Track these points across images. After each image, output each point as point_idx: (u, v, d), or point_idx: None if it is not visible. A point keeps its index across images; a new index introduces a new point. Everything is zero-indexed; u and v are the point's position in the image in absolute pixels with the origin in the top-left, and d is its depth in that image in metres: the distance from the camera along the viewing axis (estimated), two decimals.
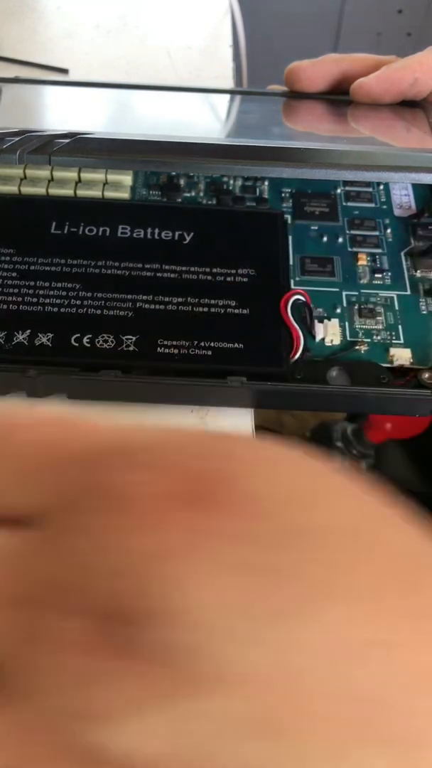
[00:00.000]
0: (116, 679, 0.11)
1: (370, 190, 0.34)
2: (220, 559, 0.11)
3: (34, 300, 0.28)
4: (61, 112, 0.33)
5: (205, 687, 0.11)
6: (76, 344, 0.27)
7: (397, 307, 0.30)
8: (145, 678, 0.11)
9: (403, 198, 0.34)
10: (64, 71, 0.47)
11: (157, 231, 0.31)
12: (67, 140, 0.25)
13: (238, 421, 0.28)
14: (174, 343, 0.28)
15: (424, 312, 0.30)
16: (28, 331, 0.28)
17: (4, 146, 0.25)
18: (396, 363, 0.28)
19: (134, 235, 0.31)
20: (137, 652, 0.11)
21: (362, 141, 0.31)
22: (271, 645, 0.11)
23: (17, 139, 0.25)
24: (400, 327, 0.29)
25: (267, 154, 0.25)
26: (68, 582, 0.12)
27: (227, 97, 0.35)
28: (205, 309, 0.29)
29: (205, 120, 0.33)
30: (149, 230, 0.31)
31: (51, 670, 0.11)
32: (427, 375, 0.27)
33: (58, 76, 0.47)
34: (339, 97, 0.33)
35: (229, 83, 0.48)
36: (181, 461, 0.13)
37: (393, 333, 0.29)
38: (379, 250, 0.32)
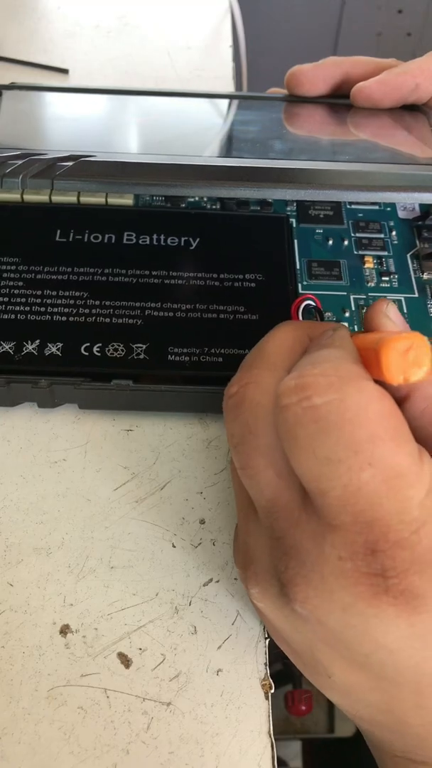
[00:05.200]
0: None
1: None
2: None
3: (42, 309, 0.28)
4: (61, 125, 0.33)
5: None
6: (86, 353, 0.27)
7: (404, 310, 0.30)
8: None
9: None
10: (65, 71, 0.46)
11: (162, 237, 0.31)
12: (69, 163, 0.25)
13: None
14: (184, 350, 0.27)
15: None
16: (38, 341, 0.27)
17: (7, 170, 0.24)
18: None
19: (140, 241, 0.31)
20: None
21: (364, 149, 0.30)
22: None
23: (19, 162, 0.25)
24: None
25: (270, 176, 0.25)
26: None
27: (229, 102, 0.35)
28: (215, 315, 0.28)
29: (206, 132, 0.32)
30: (155, 236, 0.31)
31: None
32: None
33: (57, 77, 0.46)
34: (339, 100, 0.33)
35: (229, 83, 0.48)
36: None
37: None
38: (385, 253, 0.32)
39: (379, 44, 0.99)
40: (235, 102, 0.35)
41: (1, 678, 0.23)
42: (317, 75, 0.33)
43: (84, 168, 0.25)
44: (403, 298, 0.30)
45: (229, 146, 0.31)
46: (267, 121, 0.33)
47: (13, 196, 0.32)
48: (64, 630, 0.24)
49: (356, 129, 0.32)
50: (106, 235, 0.31)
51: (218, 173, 0.25)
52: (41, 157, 0.25)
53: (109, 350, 0.27)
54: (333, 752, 0.67)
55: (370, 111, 0.32)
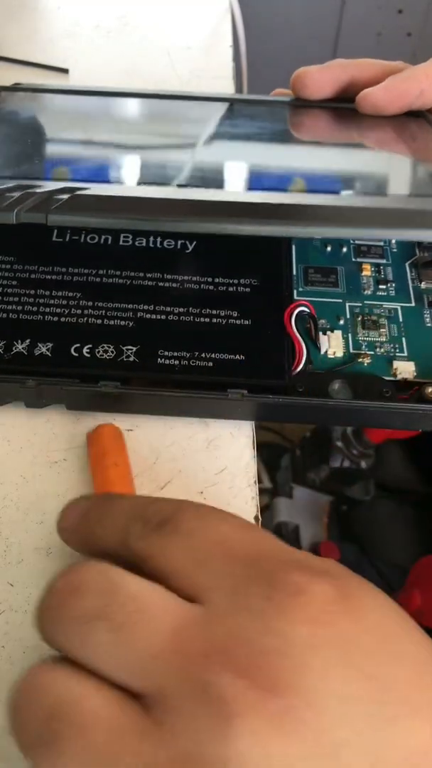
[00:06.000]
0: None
1: None
2: (348, 661, 0.16)
3: (34, 309, 0.28)
4: (59, 141, 0.33)
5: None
6: (76, 354, 0.27)
7: (401, 319, 0.29)
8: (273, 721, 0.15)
9: None
10: (65, 71, 0.46)
11: (159, 239, 0.31)
12: (64, 196, 0.25)
13: (240, 430, 0.28)
14: (175, 354, 0.27)
15: (429, 324, 0.29)
16: (28, 341, 0.27)
17: (3, 204, 0.24)
18: (399, 376, 0.28)
19: (136, 243, 0.31)
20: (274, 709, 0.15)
21: (370, 157, 0.30)
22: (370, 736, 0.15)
23: (15, 196, 0.25)
24: (404, 339, 0.29)
25: (270, 213, 0.25)
26: (230, 648, 0.16)
27: (231, 107, 0.35)
28: (207, 320, 0.28)
29: (207, 149, 0.32)
30: (151, 238, 0.31)
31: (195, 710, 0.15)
32: (431, 389, 0.27)
33: (58, 77, 0.46)
34: (343, 105, 0.33)
35: (229, 83, 0.48)
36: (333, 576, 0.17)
37: (397, 345, 0.29)
38: (383, 261, 0.31)
39: (379, 44, 0.99)
40: (239, 107, 0.35)
41: (1, 678, 0.23)
42: (323, 78, 0.33)
43: (78, 202, 0.25)
44: (399, 307, 0.30)
45: (230, 171, 0.31)
46: (271, 133, 0.33)
47: None
48: None
49: (361, 138, 0.32)
50: (103, 236, 0.31)
51: (218, 211, 0.25)
52: (36, 189, 0.25)
53: (98, 352, 0.27)
54: None
55: (374, 118, 0.32)
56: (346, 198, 0.26)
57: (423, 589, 0.55)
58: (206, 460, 0.27)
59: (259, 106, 0.35)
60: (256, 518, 0.26)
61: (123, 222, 0.25)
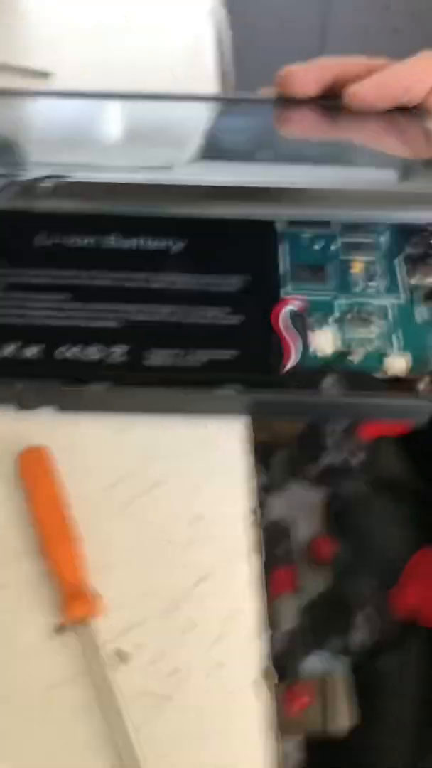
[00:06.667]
0: None
1: None
2: None
3: (22, 312, 0.28)
4: (41, 137, 0.33)
5: None
6: (65, 356, 0.27)
7: (391, 316, 0.30)
8: None
9: None
10: (46, 75, 0.46)
11: (146, 240, 0.31)
12: (48, 184, 0.25)
13: (233, 427, 0.28)
14: (164, 353, 0.27)
15: (419, 320, 0.29)
16: (17, 344, 0.27)
17: None
18: (390, 372, 0.28)
19: (123, 244, 0.31)
20: None
21: (358, 153, 0.30)
22: None
23: None
24: (394, 335, 0.29)
25: (256, 195, 0.25)
26: None
27: (217, 105, 0.35)
28: (197, 318, 0.28)
29: (192, 141, 0.32)
30: (140, 240, 0.31)
31: None
32: (422, 384, 0.27)
33: (39, 82, 0.46)
34: (331, 102, 0.33)
35: (215, 82, 0.48)
36: None
37: (387, 341, 0.29)
38: (373, 257, 0.31)
39: (366, 41, 0.99)
40: (225, 104, 0.35)
41: (1, 678, 0.23)
42: (309, 76, 0.33)
43: (64, 189, 0.25)
44: (389, 303, 0.30)
45: (215, 158, 0.31)
46: (257, 127, 0.33)
47: None
48: (62, 629, 0.24)
49: (349, 133, 0.32)
50: (90, 238, 0.31)
51: (202, 193, 0.25)
52: (19, 178, 0.25)
53: (88, 353, 0.27)
54: (332, 751, 0.67)
55: (362, 113, 0.32)
56: (332, 181, 0.26)
57: (417, 585, 0.56)
58: (200, 458, 0.28)
59: (247, 105, 0.35)
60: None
61: (107, 207, 0.25)
